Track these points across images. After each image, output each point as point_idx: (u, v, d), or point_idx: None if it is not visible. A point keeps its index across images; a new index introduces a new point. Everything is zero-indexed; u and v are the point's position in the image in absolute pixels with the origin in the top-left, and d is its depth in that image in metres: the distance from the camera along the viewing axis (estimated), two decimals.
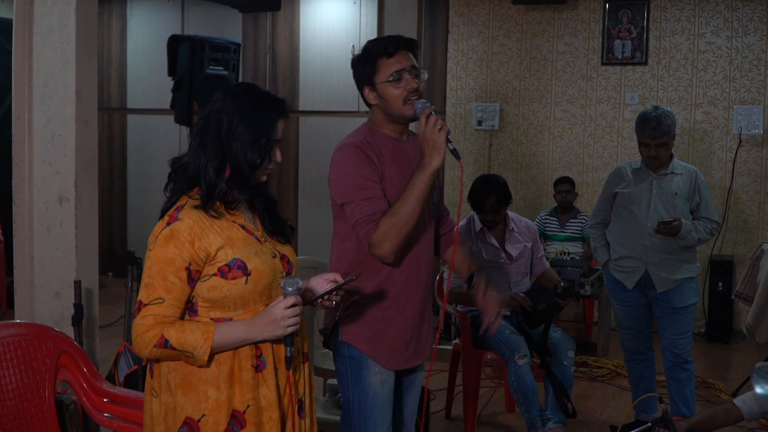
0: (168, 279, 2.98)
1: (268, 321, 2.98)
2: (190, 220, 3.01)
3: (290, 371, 3.10)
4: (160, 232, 3.02)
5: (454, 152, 3.59)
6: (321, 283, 3.21)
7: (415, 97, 3.70)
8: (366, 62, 3.75)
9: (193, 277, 3.01)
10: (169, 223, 3.02)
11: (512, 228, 6.23)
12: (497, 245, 6.19)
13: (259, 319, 3.00)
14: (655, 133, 5.78)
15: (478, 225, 6.20)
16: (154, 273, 2.99)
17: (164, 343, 2.93)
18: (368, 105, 3.84)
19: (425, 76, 3.78)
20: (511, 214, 6.34)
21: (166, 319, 2.97)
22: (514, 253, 6.20)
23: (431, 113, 3.57)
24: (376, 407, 3.82)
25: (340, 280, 3.19)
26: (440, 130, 3.52)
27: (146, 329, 2.95)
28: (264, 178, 3.17)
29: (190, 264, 2.99)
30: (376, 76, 3.72)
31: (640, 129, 5.87)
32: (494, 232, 6.21)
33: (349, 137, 3.83)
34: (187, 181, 3.09)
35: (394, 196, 3.67)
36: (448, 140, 3.54)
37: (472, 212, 6.24)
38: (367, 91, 3.78)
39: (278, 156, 3.14)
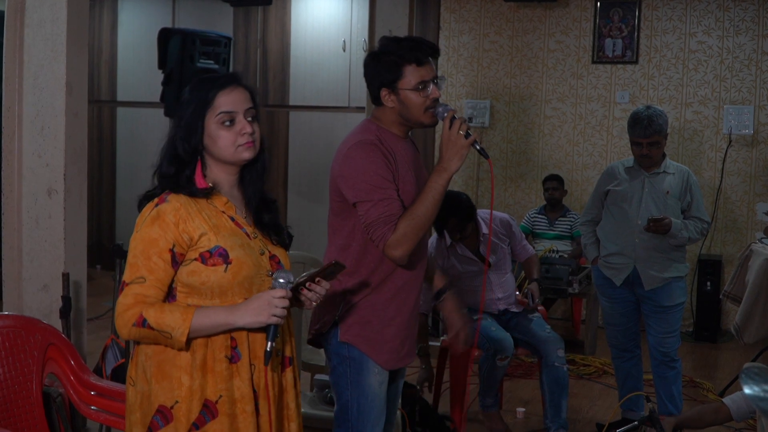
0: (151, 259, 2.98)
1: (254, 305, 2.94)
2: (177, 202, 3.02)
3: (267, 367, 3.07)
4: (148, 214, 3.03)
5: (482, 152, 3.62)
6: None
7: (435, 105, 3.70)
8: (390, 65, 3.68)
9: (177, 260, 3.00)
10: (157, 205, 3.04)
11: (485, 233, 6.17)
12: (471, 255, 6.14)
13: (243, 304, 2.98)
14: (646, 132, 5.80)
15: (449, 240, 6.14)
16: (138, 253, 3.00)
17: (143, 323, 2.93)
18: (376, 103, 3.79)
19: (443, 83, 3.77)
20: (481, 213, 6.22)
21: (146, 298, 2.97)
22: (491, 260, 6.14)
23: (454, 117, 3.59)
24: (374, 408, 3.81)
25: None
26: (466, 136, 3.54)
27: (126, 308, 2.96)
28: (246, 155, 3.10)
29: (174, 246, 2.99)
30: (401, 82, 3.67)
31: (631, 128, 5.88)
32: (467, 243, 6.16)
33: (360, 134, 3.76)
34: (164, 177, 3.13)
35: (407, 195, 3.67)
36: (475, 141, 3.57)
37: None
38: (384, 92, 3.71)
39: (243, 126, 3.08)
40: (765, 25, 9.05)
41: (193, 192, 3.06)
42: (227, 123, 3.07)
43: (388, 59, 3.69)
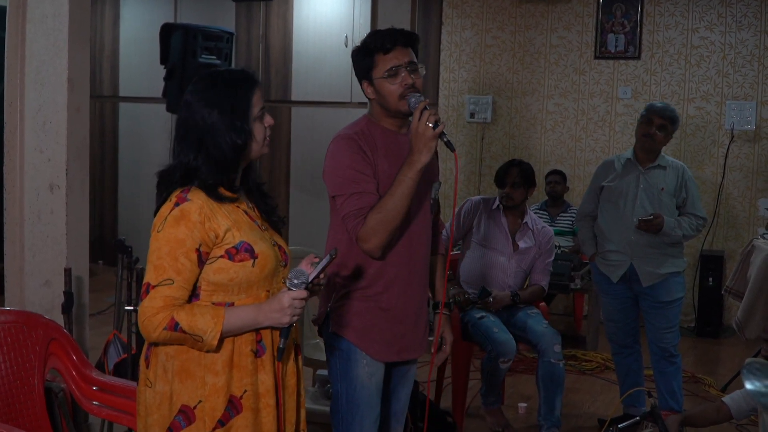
0: (179, 260, 2.94)
1: (276, 308, 2.96)
2: (199, 200, 2.98)
3: (280, 362, 3.09)
4: (170, 213, 2.98)
5: (449, 144, 3.55)
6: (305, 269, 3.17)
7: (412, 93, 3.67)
8: (364, 56, 3.72)
9: (202, 259, 2.98)
10: (177, 204, 2.98)
11: (527, 222, 6.28)
12: (507, 230, 6.22)
13: (267, 305, 2.99)
14: (665, 113, 5.89)
15: (496, 203, 6.27)
16: (164, 254, 2.95)
17: (174, 326, 2.90)
18: (368, 98, 3.82)
19: (423, 71, 3.73)
20: (532, 214, 6.41)
21: (176, 301, 2.94)
22: (520, 245, 6.22)
23: (426, 108, 3.51)
24: (363, 399, 3.80)
25: (316, 260, 3.13)
26: (434, 126, 3.46)
27: (155, 311, 2.92)
28: (266, 150, 3.16)
29: (200, 245, 2.96)
30: (373, 71, 3.69)
31: (651, 107, 5.96)
32: (509, 218, 6.24)
33: (345, 128, 3.80)
34: (178, 181, 3.06)
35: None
36: (443, 134, 3.49)
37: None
38: (365, 85, 3.75)
39: (268, 120, 3.13)
40: (767, 20, 9.04)
41: (221, 198, 3.04)
42: (260, 118, 3.10)
43: (362, 51, 3.74)
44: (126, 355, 5.09)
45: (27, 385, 4.20)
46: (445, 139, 3.53)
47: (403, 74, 3.66)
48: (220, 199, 3.04)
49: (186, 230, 2.95)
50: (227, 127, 3.02)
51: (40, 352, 4.24)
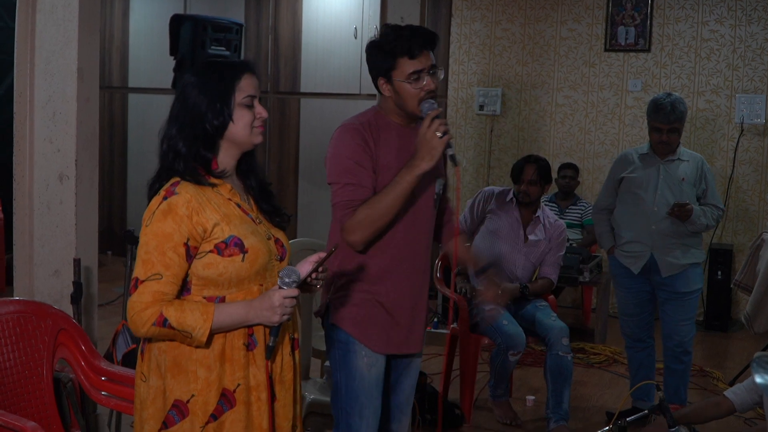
0: (166, 254, 2.92)
1: (266, 306, 2.94)
2: (187, 194, 2.97)
3: (269, 361, 3.07)
4: (158, 207, 2.97)
5: (452, 158, 3.54)
6: (306, 268, 3.13)
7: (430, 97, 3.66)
8: (385, 55, 3.68)
9: (191, 254, 2.96)
10: (165, 198, 2.97)
11: (539, 216, 6.27)
12: (519, 222, 6.21)
13: (257, 302, 2.97)
14: (669, 118, 5.82)
15: (510, 195, 6.27)
16: (152, 248, 2.94)
17: (163, 322, 2.89)
18: (378, 91, 3.79)
19: (442, 75, 3.72)
20: (545, 208, 6.42)
21: (164, 296, 2.92)
22: (531, 238, 6.22)
23: (437, 116, 3.51)
24: (362, 390, 3.81)
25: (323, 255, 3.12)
26: (441, 137, 3.47)
27: (144, 306, 2.91)
28: (259, 138, 3.12)
29: (188, 239, 2.94)
30: (394, 72, 3.66)
31: (654, 114, 5.89)
32: (521, 211, 6.24)
33: (353, 118, 3.81)
34: (172, 168, 3.06)
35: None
36: (448, 145, 3.50)
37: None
38: (381, 82, 3.72)
39: (260, 111, 3.10)
40: None
41: (201, 180, 3.02)
42: (249, 105, 3.07)
43: (383, 49, 3.70)
44: (134, 346, 5.09)
45: (36, 375, 4.21)
46: (450, 153, 3.53)
47: (426, 79, 3.65)
48: (199, 182, 3.01)
49: (173, 224, 2.94)
50: (207, 107, 3.01)
51: (48, 342, 4.25)
